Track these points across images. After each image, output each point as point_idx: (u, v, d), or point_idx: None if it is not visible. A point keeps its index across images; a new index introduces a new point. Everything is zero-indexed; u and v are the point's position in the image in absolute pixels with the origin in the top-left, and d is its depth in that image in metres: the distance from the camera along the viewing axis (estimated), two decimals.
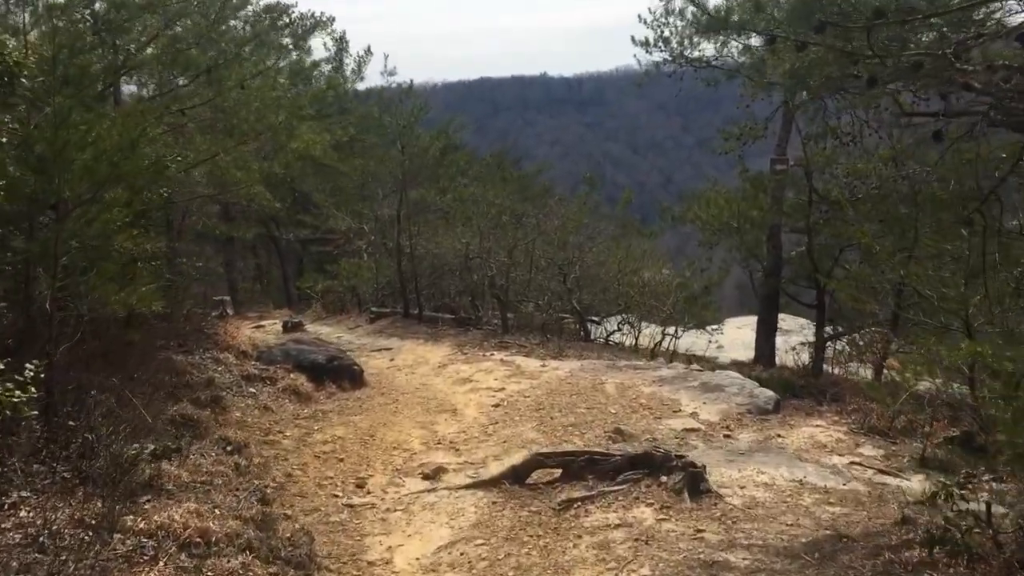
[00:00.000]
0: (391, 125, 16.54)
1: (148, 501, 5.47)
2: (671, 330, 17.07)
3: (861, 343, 13.43)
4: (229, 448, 7.24)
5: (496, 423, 9.95)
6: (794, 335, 20.93)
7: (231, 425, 8.53)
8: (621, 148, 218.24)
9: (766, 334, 14.38)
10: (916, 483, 7.46)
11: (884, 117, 12.89)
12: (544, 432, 9.31)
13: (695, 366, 12.02)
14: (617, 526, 6.24)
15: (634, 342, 17.45)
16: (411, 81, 19.13)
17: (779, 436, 8.95)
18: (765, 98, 15.84)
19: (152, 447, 6.02)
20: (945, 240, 9.56)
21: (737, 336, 24.28)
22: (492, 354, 13.91)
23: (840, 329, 13.88)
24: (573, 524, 6.40)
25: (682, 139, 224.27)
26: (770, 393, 10.07)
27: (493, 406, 10.71)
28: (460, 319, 16.93)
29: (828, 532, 6.05)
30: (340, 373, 11.77)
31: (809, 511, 6.47)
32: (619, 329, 17.13)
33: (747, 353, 19.47)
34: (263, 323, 19.41)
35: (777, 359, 15.56)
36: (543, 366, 12.82)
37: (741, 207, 12.97)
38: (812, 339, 15.46)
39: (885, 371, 12.72)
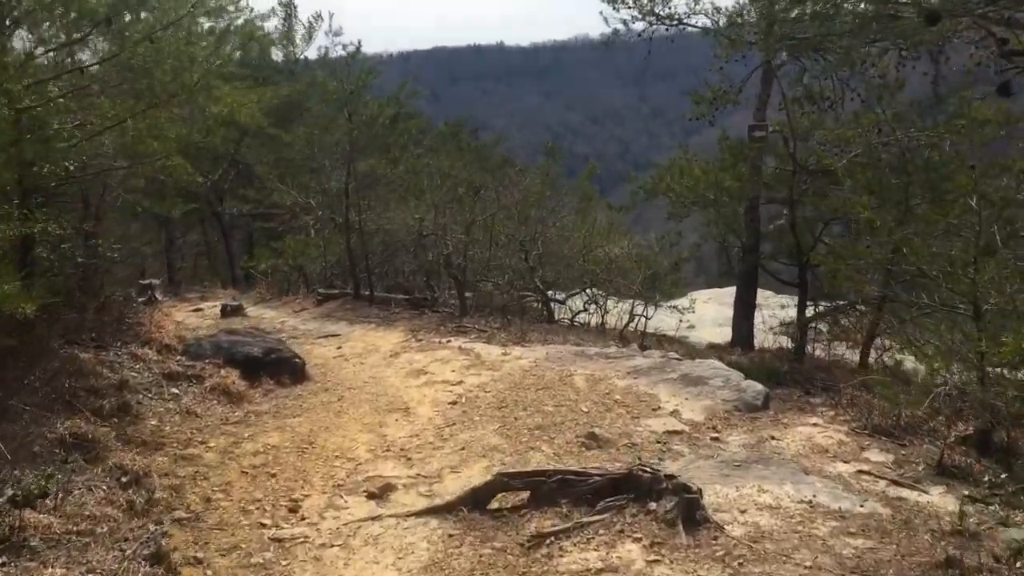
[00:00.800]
0: (337, 90, 15.16)
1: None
2: (640, 309, 16.01)
3: (847, 323, 12.48)
4: (124, 479, 5.96)
5: (453, 424, 8.79)
6: (765, 311, 20.11)
7: (136, 442, 7.23)
8: (579, 118, 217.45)
9: (744, 314, 13.37)
10: (937, 497, 6.46)
11: (871, 79, 11.86)
12: (507, 436, 8.17)
13: (672, 354, 10.94)
14: (599, 571, 5.12)
15: (601, 322, 16.38)
16: (359, 42, 17.70)
17: (773, 439, 7.89)
18: (740, 59, 14.76)
19: (11, 492, 4.75)
20: (946, 213, 8.54)
21: (704, 312, 23.35)
22: (449, 340, 12.73)
23: (823, 309, 12.90)
24: (546, 567, 5.26)
25: (639, 109, 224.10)
26: (758, 387, 9.01)
27: (450, 403, 9.55)
28: (415, 300, 15.72)
29: None
30: (279, 367, 10.53)
31: (827, 545, 5.40)
32: (585, 309, 16.03)
33: (719, 332, 18.53)
34: (203, 306, 18.04)
35: (755, 339, 14.57)
36: (505, 354, 11.67)
37: (718, 177, 11.87)
38: (793, 319, 14.54)
39: (876, 355, 11.79)
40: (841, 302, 12.66)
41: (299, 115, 21.66)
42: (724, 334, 18.68)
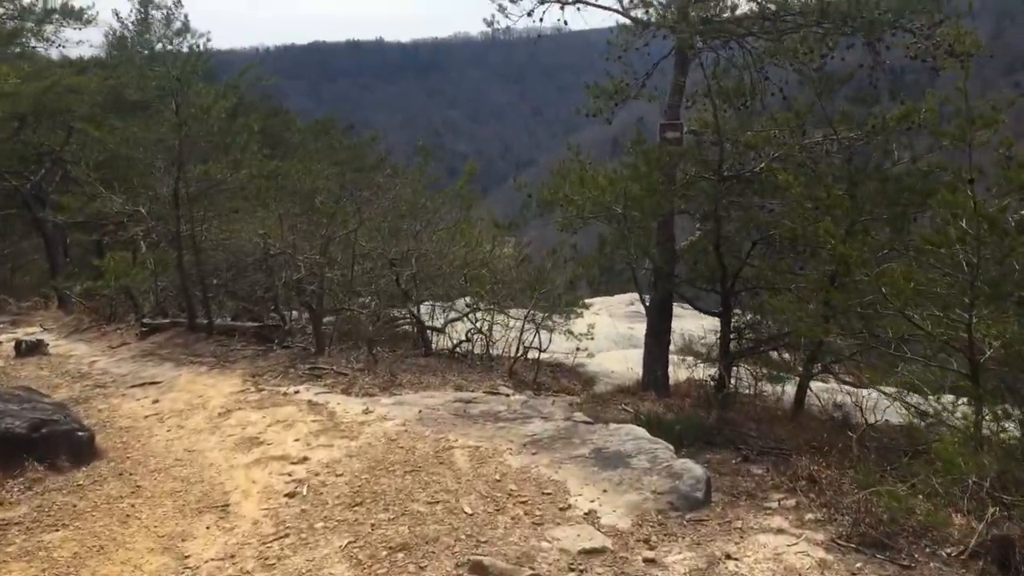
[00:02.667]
0: (160, 77, 12.31)
1: None
2: (530, 335, 13.80)
3: (779, 359, 10.57)
4: None
5: (286, 536, 6.26)
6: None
7: None
8: (460, 116, 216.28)
9: (658, 353, 11.28)
10: None
11: (809, 70, 9.95)
12: (358, 564, 5.72)
13: (579, 415, 8.68)
14: None
15: (486, 350, 14.06)
16: (185, 16, 14.86)
17: (730, 558, 5.69)
18: (643, 47, 12.71)
19: None
20: (940, 240, 6.56)
21: (597, 326, 21.34)
22: (298, 391, 10.17)
23: (750, 341, 10.93)
24: None
25: (520, 107, 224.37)
26: (696, 471, 6.81)
27: (287, 496, 7.03)
28: (264, 331, 13.04)
29: None
30: (53, 446, 7.76)
31: None
32: (468, 339, 13.68)
33: (620, 357, 16.50)
34: (16, 332, 14.94)
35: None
36: (367, 411, 9.21)
37: (628, 188, 9.73)
38: (708, 340, 12.60)
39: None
40: (772, 336, 10.72)
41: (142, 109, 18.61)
42: (625, 358, 16.70)
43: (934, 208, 6.97)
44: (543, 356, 14.10)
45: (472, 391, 11.39)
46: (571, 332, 14.34)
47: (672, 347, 13.40)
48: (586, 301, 22.74)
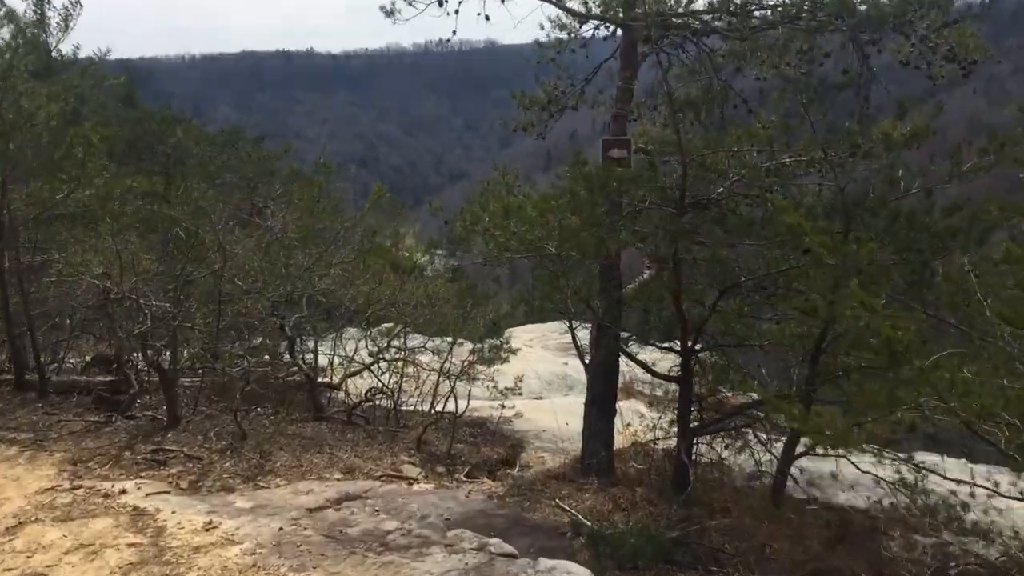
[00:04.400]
0: None
1: None
2: (445, 386, 11.45)
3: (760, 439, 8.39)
4: None
5: None
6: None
7: None
8: (392, 128, 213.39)
9: (601, 427, 8.93)
10: None
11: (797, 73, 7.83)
12: None
13: (495, 544, 6.26)
14: None
15: (393, 411, 11.63)
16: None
17: None
18: (580, 48, 10.55)
19: None
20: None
21: (528, 362, 18.99)
22: (124, 489, 7.61)
23: (711, 412, 8.70)
24: None
25: (452, 120, 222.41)
26: None
27: None
28: (109, 391, 10.40)
29: None
30: None
31: None
32: (368, 398, 11.24)
33: (557, 409, 14.25)
34: None
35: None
36: (209, 528, 6.72)
37: (564, 221, 7.42)
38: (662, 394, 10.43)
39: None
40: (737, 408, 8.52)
41: None
42: (559, 409, 14.50)
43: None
44: (462, 406, 11.81)
45: (366, 475, 8.99)
46: (495, 387, 11.99)
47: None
48: (514, 331, 20.42)
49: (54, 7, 26.67)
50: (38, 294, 10.87)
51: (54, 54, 24.57)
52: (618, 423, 9.72)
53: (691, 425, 8.42)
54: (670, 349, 8.85)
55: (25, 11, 26.04)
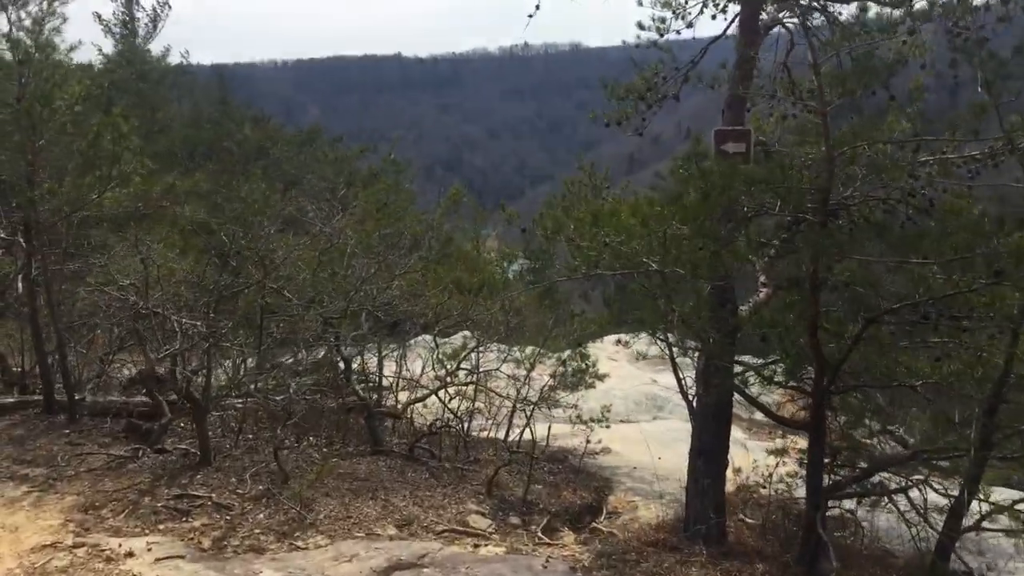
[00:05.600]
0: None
1: None
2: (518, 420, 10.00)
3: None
4: None
5: None
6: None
7: None
8: (477, 131, 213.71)
9: (711, 482, 7.24)
10: None
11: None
12: None
13: None
14: None
15: (461, 442, 10.18)
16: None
17: None
18: (685, 28, 8.93)
19: None
20: None
21: (615, 385, 17.29)
22: (131, 552, 6.31)
23: (853, 468, 7.00)
24: None
25: (536, 123, 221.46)
26: None
27: None
28: (146, 415, 9.21)
29: None
30: None
31: None
32: (433, 430, 9.82)
33: (643, 442, 12.62)
34: None
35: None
36: None
37: (670, 231, 5.83)
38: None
39: None
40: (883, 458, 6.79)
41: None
42: (652, 438, 12.91)
43: None
44: (539, 439, 10.32)
45: (425, 529, 7.55)
46: (579, 417, 10.45)
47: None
48: (598, 343, 18.71)
49: (142, 7, 25.63)
50: (70, 305, 9.76)
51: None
52: None
53: (823, 484, 6.73)
54: (799, 389, 7.16)
55: (114, 11, 25.46)
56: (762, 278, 7.93)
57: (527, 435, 10.24)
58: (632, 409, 16.81)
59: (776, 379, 7.04)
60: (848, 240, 5.94)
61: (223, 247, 7.86)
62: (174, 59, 30.10)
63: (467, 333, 11.58)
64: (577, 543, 8.40)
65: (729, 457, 8.22)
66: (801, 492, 7.45)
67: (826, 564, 6.41)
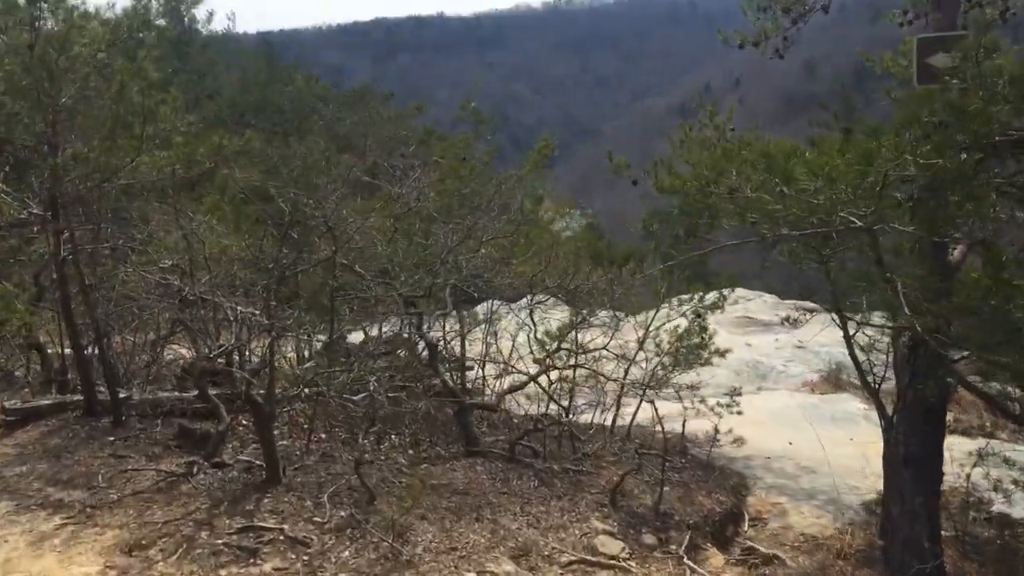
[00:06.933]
0: None
1: None
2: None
3: None
4: None
5: None
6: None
7: None
8: (522, 88, 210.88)
9: (926, 499, 5.51)
10: None
11: None
12: None
13: None
14: None
15: (566, 436, 8.61)
16: None
17: None
18: None
19: None
20: None
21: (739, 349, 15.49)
22: None
23: None
24: None
25: (581, 78, 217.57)
26: None
27: None
28: (200, 416, 7.79)
29: None
30: None
31: None
32: (539, 427, 8.26)
33: (771, 422, 11.04)
34: None
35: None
36: None
37: (906, 163, 4.14)
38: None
39: None
40: None
41: None
42: (769, 415, 11.42)
43: None
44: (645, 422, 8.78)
45: (547, 560, 6.03)
46: (702, 402, 8.84)
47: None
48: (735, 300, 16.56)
49: None
50: (110, 289, 8.35)
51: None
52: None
53: None
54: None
55: None
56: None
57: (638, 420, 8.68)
58: (734, 380, 15.06)
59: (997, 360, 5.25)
60: None
61: (282, 216, 6.35)
62: (218, 25, 28.94)
63: (564, 307, 9.98)
64: (728, 565, 6.85)
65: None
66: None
67: None
